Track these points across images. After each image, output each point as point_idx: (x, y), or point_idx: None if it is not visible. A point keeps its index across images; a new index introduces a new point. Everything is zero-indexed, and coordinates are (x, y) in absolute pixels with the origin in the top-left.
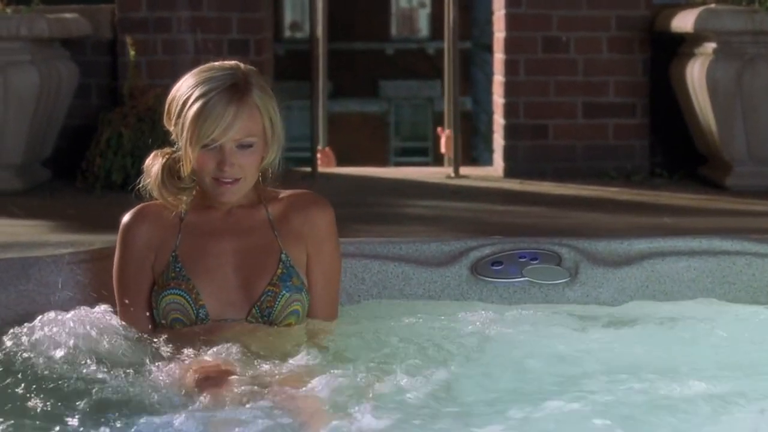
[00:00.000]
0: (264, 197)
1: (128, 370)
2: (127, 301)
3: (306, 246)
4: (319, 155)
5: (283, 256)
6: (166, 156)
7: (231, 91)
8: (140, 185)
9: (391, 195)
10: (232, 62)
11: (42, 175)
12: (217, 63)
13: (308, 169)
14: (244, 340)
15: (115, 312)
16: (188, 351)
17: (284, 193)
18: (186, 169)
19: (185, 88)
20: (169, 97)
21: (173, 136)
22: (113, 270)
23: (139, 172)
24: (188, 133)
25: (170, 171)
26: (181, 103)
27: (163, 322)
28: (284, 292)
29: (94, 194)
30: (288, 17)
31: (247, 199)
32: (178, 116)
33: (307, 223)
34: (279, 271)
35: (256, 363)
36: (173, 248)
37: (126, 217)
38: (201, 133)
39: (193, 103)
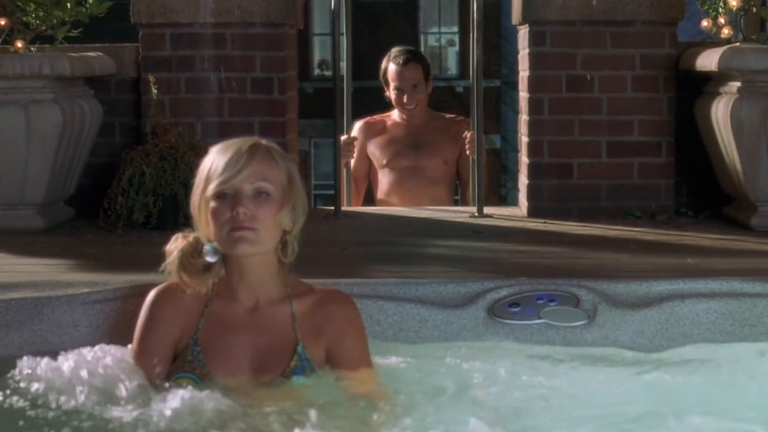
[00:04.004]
0: (292, 290)
1: (141, 413)
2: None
3: (326, 342)
4: None
5: (299, 347)
6: (187, 237)
7: (245, 142)
8: (162, 269)
9: (413, 234)
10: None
11: (65, 214)
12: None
13: (331, 208)
14: (273, 397)
15: (128, 353)
16: (203, 402)
17: (315, 289)
18: (203, 228)
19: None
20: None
21: (193, 219)
22: (134, 334)
23: (162, 211)
24: (203, 184)
25: (190, 251)
26: (199, 172)
27: None
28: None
29: (116, 233)
30: (317, 56)
31: (275, 290)
32: (196, 182)
33: (327, 319)
34: (293, 363)
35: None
36: (194, 332)
37: (152, 294)
38: (215, 176)
39: (209, 160)
